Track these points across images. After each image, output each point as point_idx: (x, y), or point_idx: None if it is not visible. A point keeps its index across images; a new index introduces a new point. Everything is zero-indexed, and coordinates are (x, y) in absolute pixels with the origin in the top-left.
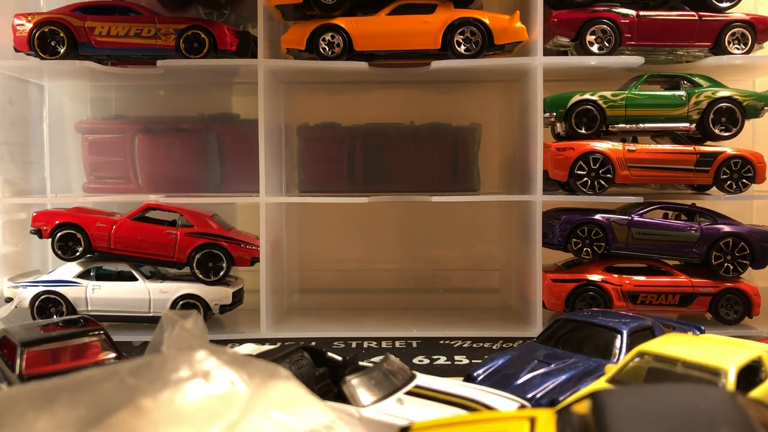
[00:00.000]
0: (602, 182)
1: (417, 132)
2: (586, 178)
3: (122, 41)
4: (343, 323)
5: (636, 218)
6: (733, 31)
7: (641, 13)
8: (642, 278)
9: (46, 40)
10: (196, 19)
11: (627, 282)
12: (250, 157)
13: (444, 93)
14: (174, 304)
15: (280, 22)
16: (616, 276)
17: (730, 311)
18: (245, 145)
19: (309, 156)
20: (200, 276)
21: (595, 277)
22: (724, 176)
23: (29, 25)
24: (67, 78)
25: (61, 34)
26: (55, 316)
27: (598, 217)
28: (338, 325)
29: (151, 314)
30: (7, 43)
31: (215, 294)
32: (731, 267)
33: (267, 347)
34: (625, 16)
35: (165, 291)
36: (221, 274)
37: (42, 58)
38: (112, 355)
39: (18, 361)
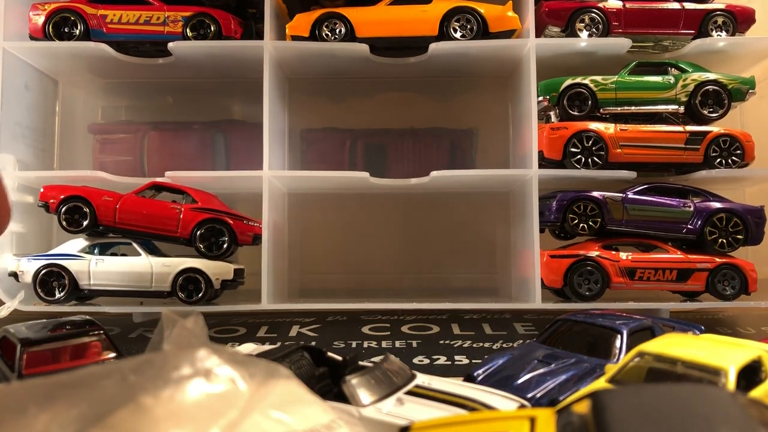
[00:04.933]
0: (596, 159)
1: (417, 136)
2: (579, 156)
3: (132, 28)
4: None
5: (630, 195)
6: (715, 19)
7: (627, 4)
8: (639, 254)
9: (60, 27)
10: (202, 6)
11: (624, 258)
12: (254, 159)
13: (443, 101)
14: (176, 278)
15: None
16: (613, 252)
17: (727, 286)
18: (251, 147)
19: (311, 158)
20: (203, 250)
21: (592, 254)
22: (714, 154)
23: (44, 13)
24: (79, 71)
25: (73, 19)
26: (57, 291)
27: (593, 193)
28: (339, 300)
29: (152, 289)
30: (25, 32)
31: (217, 269)
32: (725, 242)
33: (267, 347)
34: (613, 5)
35: (167, 265)
36: (224, 247)
37: (54, 40)
38: (113, 355)
39: (18, 360)
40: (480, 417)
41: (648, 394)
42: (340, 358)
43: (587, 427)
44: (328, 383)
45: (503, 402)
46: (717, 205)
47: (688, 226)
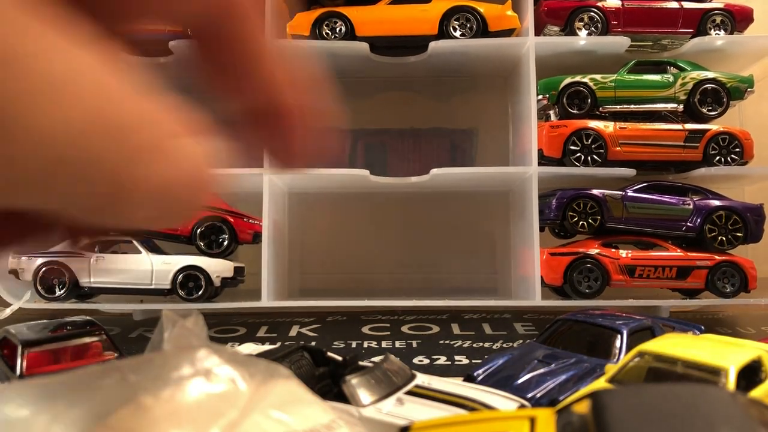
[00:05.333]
0: (595, 157)
1: (417, 135)
2: (579, 154)
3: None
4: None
5: (630, 193)
6: (713, 18)
7: (626, 3)
8: (639, 252)
9: None
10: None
11: (624, 255)
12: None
13: (443, 101)
14: (176, 276)
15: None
16: (613, 250)
17: (726, 284)
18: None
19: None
20: (203, 248)
21: (592, 251)
22: (713, 152)
23: None
24: None
25: None
26: (57, 288)
27: (593, 191)
28: (339, 298)
29: (152, 286)
30: None
31: (217, 266)
32: (725, 240)
33: (267, 347)
34: (611, 4)
35: (167, 263)
36: (224, 245)
37: None
38: (114, 355)
39: (19, 361)
40: (480, 417)
41: (648, 394)
42: (340, 358)
43: (587, 427)
44: (328, 383)
45: (503, 402)
46: (716, 202)
47: (688, 223)
